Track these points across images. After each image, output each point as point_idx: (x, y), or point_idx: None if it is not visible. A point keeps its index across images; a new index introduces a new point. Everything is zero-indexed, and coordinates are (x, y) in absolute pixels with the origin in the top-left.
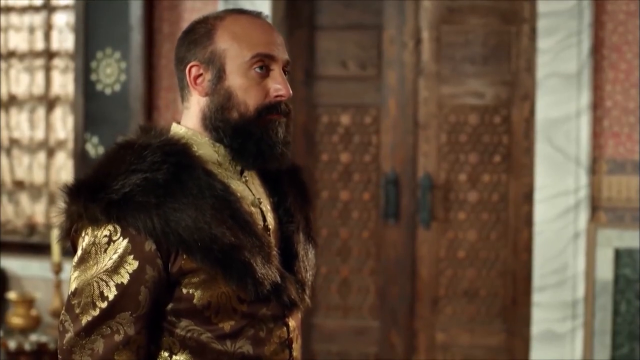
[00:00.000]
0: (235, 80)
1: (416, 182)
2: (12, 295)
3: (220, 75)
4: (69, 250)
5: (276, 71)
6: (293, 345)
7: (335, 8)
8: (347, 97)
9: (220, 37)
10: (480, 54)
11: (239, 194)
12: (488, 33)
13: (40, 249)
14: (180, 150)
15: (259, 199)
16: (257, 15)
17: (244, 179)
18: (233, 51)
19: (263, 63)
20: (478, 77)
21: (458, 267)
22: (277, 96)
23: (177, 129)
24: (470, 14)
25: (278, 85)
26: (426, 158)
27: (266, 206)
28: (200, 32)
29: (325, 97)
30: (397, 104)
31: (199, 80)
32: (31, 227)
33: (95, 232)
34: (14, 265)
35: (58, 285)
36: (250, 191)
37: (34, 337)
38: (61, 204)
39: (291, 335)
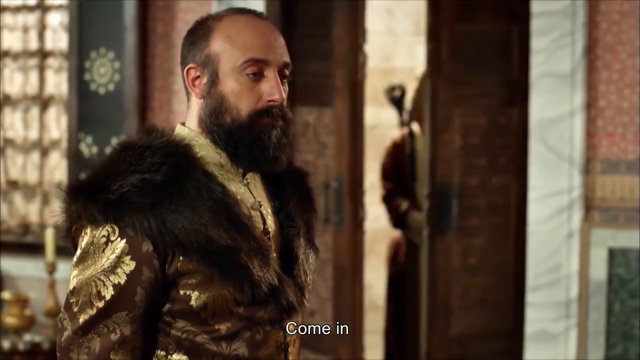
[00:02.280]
0: (228, 84)
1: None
2: (6, 295)
3: (214, 79)
4: (63, 250)
5: (270, 75)
6: (289, 349)
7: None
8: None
9: (215, 40)
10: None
11: (238, 197)
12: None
13: (34, 249)
14: (180, 152)
15: (259, 202)
16: (256, 16)
17: (245, 182)
18: (226, 55)
19: (256, 68)
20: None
21: (470, 274)
22: (270, 101)
23: (180, 130)
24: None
25: (271, 90)
26: (444, 164)
27: (267, 209)
28: (199, 34)
29: None
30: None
31: (197, 82)
32: (25, 227)
33: (94, 232)
34: (8, 265)
35: (52, 285)
36: (251, 194)
37: (27, 337)
38: (61, 203)
39: (287, 339)
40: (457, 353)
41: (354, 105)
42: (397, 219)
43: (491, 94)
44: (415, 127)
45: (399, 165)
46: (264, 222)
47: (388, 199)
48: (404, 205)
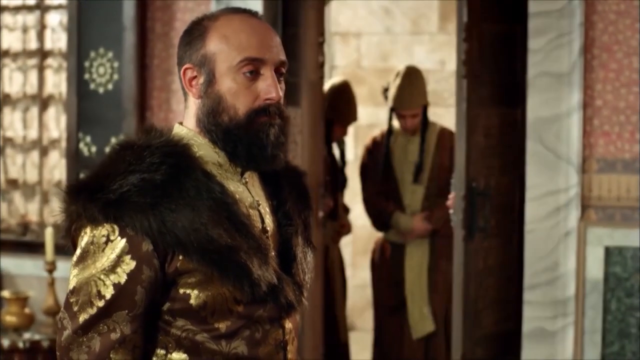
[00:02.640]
0: (225, 84)
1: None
2: (5, 293)
3: (210, 79)
4: (62, 248)
5: (266, 74)
6: (288, 347)
7: None
8: None
9: (211, 40)
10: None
11: (237, 196)
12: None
13: (33, 248)
14: (179, 152)
15: (257, 201)
16: (251, 15)
17: (244, 181)
18: (223, 55)
19: (252, 67)
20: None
21: (489, 275)
22: (266, 99)
23: (178, 130)
24: None
25: (269, 89)
26: (473, 165)
27: (265, 208)
28: (195, 34)
29: None
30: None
31: (194, 82)
32: (25, 226)
33: (94, 232)
34: (8, 263)
35: (52, 283)
36: (249, 193)
37: (27, 335)
38: (61, 203)
39: (287, 337)
40: (482, 354)
41: (312, 104)
42: (381, 221)
43: (500, 93)
44: (396, 124)
45: (378, 163)
46: (262, 221)
47: (368, 200)
48: (389, 206)
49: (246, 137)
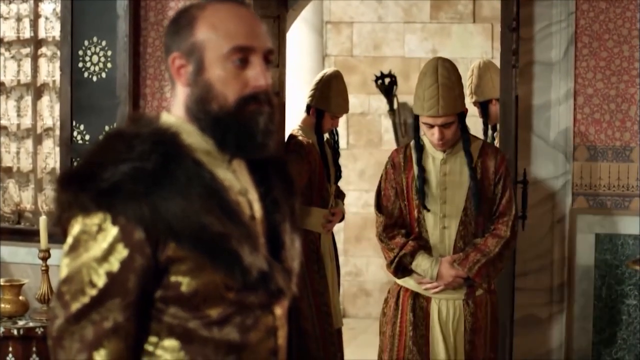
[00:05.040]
0: (214, 72)
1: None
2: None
3: (199, 67)
4: (56, 236)
5: (255, 62)
6: (279, 333)
7: None
8: None
9: (200, 29)
10: None
11: (226, 183)
12: None
13: (28, 235)
14: (168, 140)
15: (245, 188)
16: (239, 3)
17: (232, 168)
18: (212, 43)
19: (242, 55)
20: None
21: None
22: (255, 87)
23: (166, 118)
24: None
25: (258, 76)
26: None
27: (253, 195)
28: (183, 23)
29: None
30: None
31: (182, 71)
32: (19, 214)
33: (86, 221)
34: (2, 251)
35: (46, 270)
36: (237, 180)
37: (21, 323)
38: (53, 192)
39: (277, 323)
40: None
41: None
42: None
43: None
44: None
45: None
46: (251, 208)
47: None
48: (409, 244)
49: (236, 125)
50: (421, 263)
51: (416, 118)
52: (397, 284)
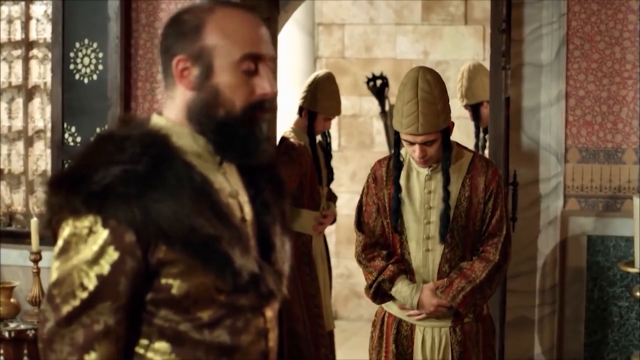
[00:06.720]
0: (224, 78)
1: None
2: None
3: (208, 72)
4: (47, 238)
5: (263, 69)
6: (269, 335)
7: None
8: None
9: (209, 33)
10: None
11: (217, 185)
12: None
13: (19, 237)
14: (159, 142)
15: (236, 190)
16: (247, 10)
17: (222, 171)
18: (222, 49)
19: (252, 62)
20: None
21: None
22: (262, 94)
23: (157, 120)
24: None
25: (265, 84)
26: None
27: (243, 197)
28: (189, 25)
29: None
30: None
31: (186, 73)
32: (10, 216)
33: (76, 223)
34: None
35: (37, 273)
36: (228, 182)
37: (13, 325)
38: (44, 195)
39: (268, 325)
40: None
41: None
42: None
43: None
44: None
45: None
46: (241, 210)
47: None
48: (389, 268)
49: (242, 131)
50: (401, 290)
51: (396, 132)
52: (382, 307)
